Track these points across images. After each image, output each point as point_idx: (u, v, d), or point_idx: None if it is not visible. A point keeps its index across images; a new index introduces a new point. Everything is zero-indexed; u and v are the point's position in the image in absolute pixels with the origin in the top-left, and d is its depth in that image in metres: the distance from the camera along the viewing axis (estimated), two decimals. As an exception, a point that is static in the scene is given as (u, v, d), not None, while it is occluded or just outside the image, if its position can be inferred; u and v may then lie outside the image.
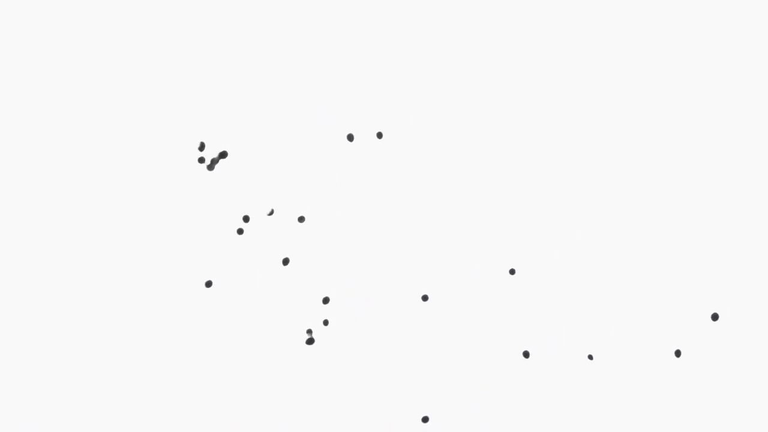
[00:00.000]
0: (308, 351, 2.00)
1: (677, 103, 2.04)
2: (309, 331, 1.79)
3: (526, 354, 1.96)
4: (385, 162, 2.03)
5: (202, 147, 1.53)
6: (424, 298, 1.99)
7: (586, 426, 1.99)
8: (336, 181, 2.03)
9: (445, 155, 2.03)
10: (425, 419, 1.95)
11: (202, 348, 2.00)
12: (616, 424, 1.99)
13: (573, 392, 1.99)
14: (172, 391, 2.00)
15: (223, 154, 1.54)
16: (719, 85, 2.04)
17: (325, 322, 1.90)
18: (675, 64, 2.05)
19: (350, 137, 1.54)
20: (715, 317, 1.96)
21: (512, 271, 1.94)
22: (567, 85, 2.04)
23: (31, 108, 2.05)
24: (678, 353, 1.94)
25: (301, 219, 1.98)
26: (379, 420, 1.99)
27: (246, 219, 1.69)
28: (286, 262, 2.00)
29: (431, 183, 2.03)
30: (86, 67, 2.06)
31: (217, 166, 2.02)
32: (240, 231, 1.66)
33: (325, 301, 1.87)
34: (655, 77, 2.05)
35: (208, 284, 1.75)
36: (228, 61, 2.05)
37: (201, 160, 1.57)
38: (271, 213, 1.48)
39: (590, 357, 1.95)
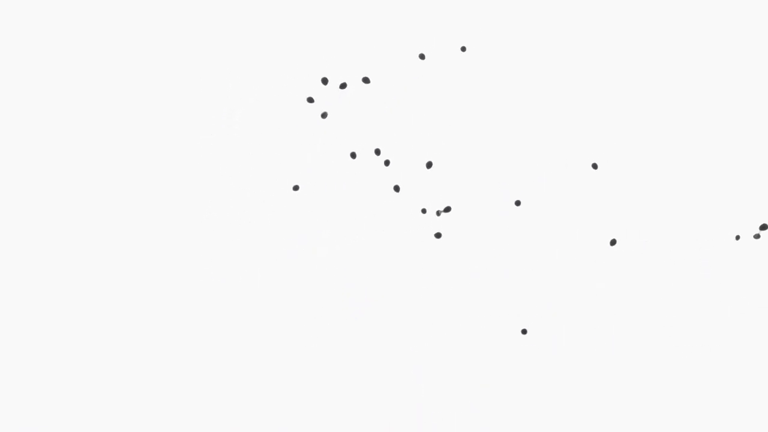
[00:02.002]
0: (308, 351, 2.00)
1: (677, 102, 2.04)
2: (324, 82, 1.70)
3: (524, 331, 1.96)
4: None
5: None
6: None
7: (586, 426, 1.99)
8: (336, 181, 2.04)
9: (445, 155, 2.03)
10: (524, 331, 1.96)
11: (200, 347, 2.01)
12: (617, 424, 1.99)
13: (573, 392, 1.99)
14: (170, 391, 2.00)
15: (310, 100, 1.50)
16: (719, 84, 2.05)
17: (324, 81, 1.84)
18: (675, 63, 2.05)
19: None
20: (612, 242, 1.96)
21: (524, 331, 1.97)
22: (567, 83, 2.04)
23: (31, 108, 2.05)
24: (757, 236, 1.94)
25: (296, 188, 1.97)
26: (379, 420, 2.00)
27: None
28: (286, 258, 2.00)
29: (431, 183, 2.03)
30: (85, 65, 2.06)
31: (213, 169, 2.02)
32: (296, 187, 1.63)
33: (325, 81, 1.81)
34: (655, 75, 2.05)
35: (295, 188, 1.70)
36: (227, 60, 2.06)
37: (310, 100, 1.54)
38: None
39: (524, 332, 1.96)
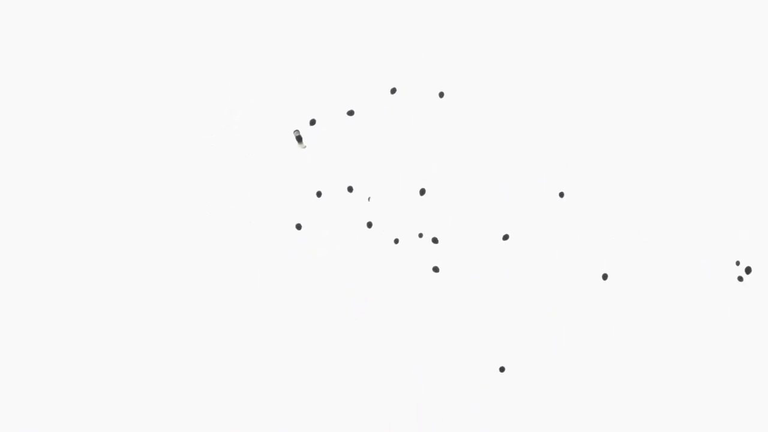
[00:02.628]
0: (309, 351, 2.00)
1: (677, 102, 2.05)
2: (299, 137, 1.73)
3: (502, 369, 1.98)
4: (385, 161, 2.04)
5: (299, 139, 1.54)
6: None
7: (585, 426, 1.99)
8: (336, 180, 2.04)
9: (445, 154, 2.03)
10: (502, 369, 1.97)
11: (200, 347, 2.00)
12: (615, 425, 1.99)
13: (571, 393, 1.99)
14: (170, 391, 2.00)
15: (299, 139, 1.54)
16: (719, 84, 2.05)
17: (313, 121, 1.85)
18: (675, 63, 2.05)
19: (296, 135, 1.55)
20: (604, 277, 1.98)
21: (502, 369, 1.97)
22: (566, 82, 2.05)
23: (32, 109, 2.05)
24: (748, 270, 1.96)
25: (299, 227, 1.99)
26: (380, 420, 1.99)
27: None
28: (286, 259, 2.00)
29: (431, 182, 2.03)
30: (85, 66, 2.06)
31: (213, 169, 2.02)
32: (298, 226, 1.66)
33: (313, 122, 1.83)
34: (654, 76, 2.05)
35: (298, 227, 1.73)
36: (227, 61, 2.06)
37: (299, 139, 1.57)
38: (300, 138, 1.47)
39: (502, 369, 1.98)
